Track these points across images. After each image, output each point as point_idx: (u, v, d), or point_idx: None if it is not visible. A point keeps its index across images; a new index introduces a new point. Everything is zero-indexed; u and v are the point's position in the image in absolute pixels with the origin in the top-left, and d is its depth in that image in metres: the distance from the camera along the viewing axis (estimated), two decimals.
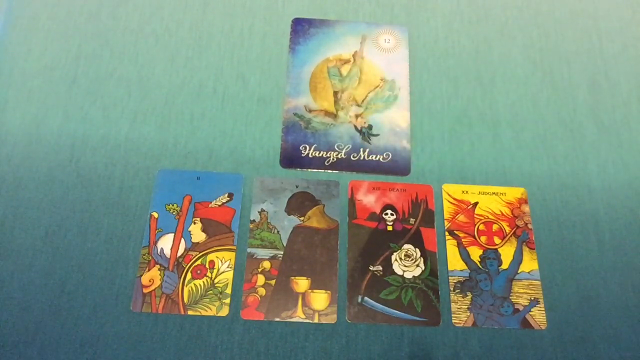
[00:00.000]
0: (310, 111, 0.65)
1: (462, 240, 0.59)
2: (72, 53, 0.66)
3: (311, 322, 0.54)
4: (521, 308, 0.56)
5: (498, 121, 0.66)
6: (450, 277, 0.57)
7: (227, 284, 0.55)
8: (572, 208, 0.62)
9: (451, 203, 0.61)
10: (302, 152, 0.62)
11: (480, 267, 0.58)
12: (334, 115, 0.65)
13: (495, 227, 0.60)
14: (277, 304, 0.55)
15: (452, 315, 0.56)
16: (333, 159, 0.62)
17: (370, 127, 0.64)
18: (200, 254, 0.57)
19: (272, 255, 0.57)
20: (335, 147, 0.63)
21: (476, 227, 0.60)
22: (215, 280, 0.55)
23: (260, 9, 0.70)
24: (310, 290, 0.56)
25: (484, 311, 0.56)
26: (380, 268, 0.57)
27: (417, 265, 0.57)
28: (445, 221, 0.60)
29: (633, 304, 0.57)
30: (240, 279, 0.56)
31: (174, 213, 0.58)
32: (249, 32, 0.69)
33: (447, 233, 0.59)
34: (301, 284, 0.56)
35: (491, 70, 0.69)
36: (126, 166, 0.60)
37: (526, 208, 0.61)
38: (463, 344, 0.55)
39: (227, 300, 0.55)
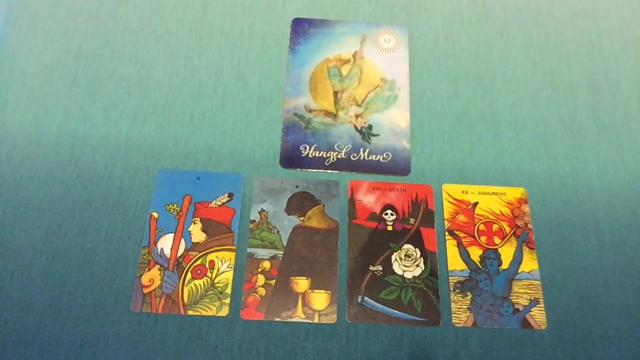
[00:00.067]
0: (310, 111, 0.65)
1: (462, 240, 0.59)
2: (72, 53, 0.66)
3: (311, 322, 0.54)
4: (521, 308, 0.56)
5: (498, 121, 0.66)
6: (450, 277, 0.57)
7: (227, 284, 0.55)
8: (572, 208, 0.62)
9: (451, 203, 0.61)
10: (302, 152, 0.62)
11: (480, 267, 0.58)
12: (334, 115, 0.65)
13: (495, 227, 0.60)
14: (277, 304, 0.55)
15: (452, 315, 0.56)
16: (333, 159, 0.62)
17: (370, 127, 0.64)
18: (200, 254, 0.57)
19: (272, 255, 0.57)
20: (335, 147, 0.63)
21: (476, 227, 0.60)
22: (215, 280, 0.55)
23: (260, 9, 0.70)
24: (310, 290, 0.56)
25: (484, 311, 0.56)
26: (380, 268, 0.57)
27: (417, 265, 0.57)
28: (445, 221, 0.60)
29: (633, 304, 0.57)
30: (240, 279, 0.56)
31: (174, 213, 0.58)
32: (249, 32, 0.69)
33: (447, 233, 0.59)
34: (301, 284, 0.56)
35: (491, 70, 0.69)
36: (126, 166, 0.60)
37: (526, 208, 0.61)
38: (463, 344, 0.55)
39: (227, 300, 0.55)
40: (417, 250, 0.58)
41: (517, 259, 0.58)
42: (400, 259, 0.58)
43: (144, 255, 0.56)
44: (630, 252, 0.60)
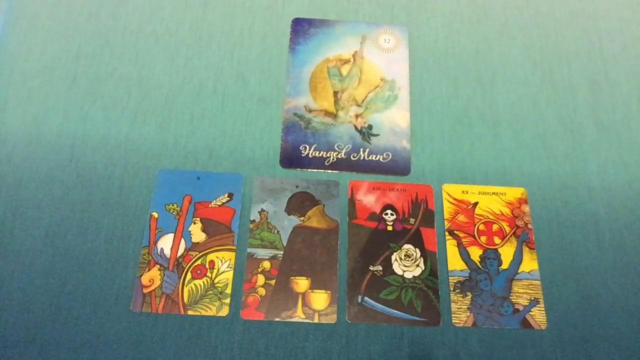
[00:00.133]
0: (310, 111, 0.65)
1: (462, 240, 0.59)
2: (72, 53, 0.66)
3: (311, 322, 0.54)
4: (521, 308, 0.56)
5: (498, 121, 0.66)
6: (450, 277, 0.57)
7: (227, 284, 0.55)
8: (572, 208, 0.62)
9: (451, 203, 0.61)
10: (302, 152, 0.62)
11: (480, 267, 0.58)
12: (334, 115, 0.65)
13: (495, 227, 0.60)
14: (277, 304, 0.55)
15: (452, 315, 0.56)
16: (333, 159, 0.62)
17: (370, 127, 0.64)
18: (200, 254, 0.57)
19: (272, 255, 0.57)
20: (335, 147, 0.63)
21: (476, 227, 0.60)
22: (215, 280, 0.55)
23: (260, 9, 0.70)
24: (310, 290, 0.56)
25: (484, 311, 0.56)
26: (380, 268, 0.57)
27: (417, 265, 0.57)
28: (445, 221, 0.60)
29: (633, 304, 0.57)
30: (240, 279, 0.56)
31: (174, 213, 0.58)
32: (249, 32, 0.69)
33: (447, 233, 0.59)
34: (301, 284, 0.56)
35: (491, 70, 0.69)
36: (126, 166, 0.60)
37: (526, 208, 0.61)
38: (463, 344, 0.55)
39: (227, 300, 0.55)
40: (417, 250, 0.58)
41: (517, 259, 0.58)
42: (400, 259, 0.58)
43: (144, 255, 0.56)
44: (630, 252, 0.60)
